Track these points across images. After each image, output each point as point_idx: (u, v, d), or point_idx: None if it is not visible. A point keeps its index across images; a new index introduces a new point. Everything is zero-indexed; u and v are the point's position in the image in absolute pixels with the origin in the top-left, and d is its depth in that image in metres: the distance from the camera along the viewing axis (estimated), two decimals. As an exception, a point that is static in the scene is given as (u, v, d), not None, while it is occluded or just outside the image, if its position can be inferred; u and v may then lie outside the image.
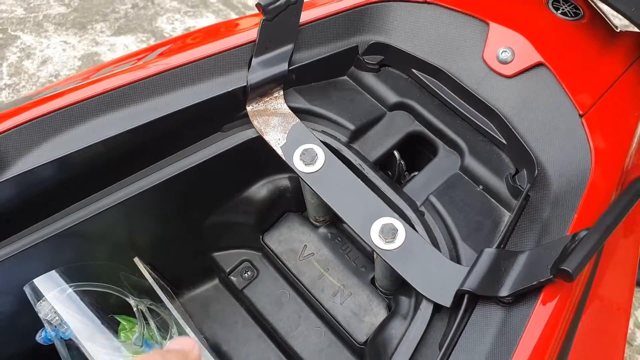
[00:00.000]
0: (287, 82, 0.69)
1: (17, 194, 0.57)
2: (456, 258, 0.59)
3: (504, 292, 0.50)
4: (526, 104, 0.65)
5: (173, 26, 1.97)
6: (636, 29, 0.70)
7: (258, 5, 0.60)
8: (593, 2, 0.77)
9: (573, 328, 0.56)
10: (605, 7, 0.72)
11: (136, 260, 0.71)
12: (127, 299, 0.66)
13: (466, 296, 0.53)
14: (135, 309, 0.65)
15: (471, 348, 0.50)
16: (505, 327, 0.50)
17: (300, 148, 0.64)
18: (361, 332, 0.76)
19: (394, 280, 0.72)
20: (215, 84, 0.64)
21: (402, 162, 0.74)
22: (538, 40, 0.67)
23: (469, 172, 0.66)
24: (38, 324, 0.59)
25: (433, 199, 0.64)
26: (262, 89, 0.67)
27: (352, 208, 0.61)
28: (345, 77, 0.74)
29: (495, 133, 0.67)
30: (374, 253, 0.64)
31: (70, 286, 0.60)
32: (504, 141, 0.66)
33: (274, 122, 0.66)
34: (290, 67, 0.67)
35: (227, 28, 0.81)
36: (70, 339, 0.58)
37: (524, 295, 0.51)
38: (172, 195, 0.69)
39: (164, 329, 0.68)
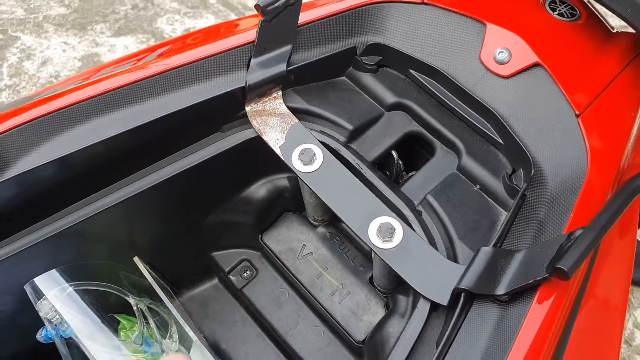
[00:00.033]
0: (286, 82, 0.69)
1: (17, 194, 0.57)
2: (453, 257, 0.60)
3: (501, 290, 0.51)
4: (523, 104, 0.65)
5: (173, 27, 1.98)
6: (632, 30, 0.70)
7: (257, 6, 0.61)
8: (589, 2, 0.77)
9: (569, 326, 0.57)
10: (601, 8, 0.73)
11: (136, 259, 0.71)
12: (127, 298, 0.66)
13: (463, 294, 0.53)
14: (135, 308, 0.66)
15: (468, 346, 0.50)
16: (502, 325, 0.51)
17: (299, 148, 0.64)
18: (359, 331, 0.77)
19: (392, 279, 0.73)
20: (215, 85, 0.64)
21: (400, 162, 0.74)
22: (535, 41, 0.68)
23: (466, 172, 0.67)
24: (39, 323, 0.59)
25: (430, 198, 0.64)
26: (260, 90, 0.67)
27: (350, 207, 0.61)
28: (344, 78, 0.75)
29: (492, 133, 0.67)
30: (372, 252, 0.64)
31: (71, 285, 0.61)
32: (500, 141, 0.66)
33: (272, 122, 0.67)
34: (289, 68, 0.67)
35: (226, 29, 0.82)
36: (70, 338, 0.59)
37: (520, 294, 0.51)
38: (172, 195, 0.70)
39: (164, 327, 0.68)
